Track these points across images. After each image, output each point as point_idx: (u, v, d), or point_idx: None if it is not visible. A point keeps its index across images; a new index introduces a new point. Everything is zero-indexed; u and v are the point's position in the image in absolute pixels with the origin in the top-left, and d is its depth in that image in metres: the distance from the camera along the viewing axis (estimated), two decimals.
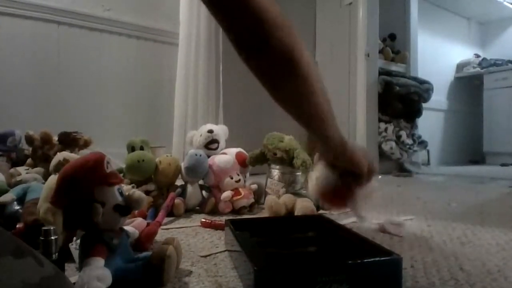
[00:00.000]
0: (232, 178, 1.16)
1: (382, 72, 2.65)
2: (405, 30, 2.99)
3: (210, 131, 1.30)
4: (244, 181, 1.22)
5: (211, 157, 1.21)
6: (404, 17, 3.00)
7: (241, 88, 2.42)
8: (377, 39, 2.64)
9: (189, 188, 1.16)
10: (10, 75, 1.65)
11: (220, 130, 1.35)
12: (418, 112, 2.79)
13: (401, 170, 2.67)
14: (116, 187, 0.57)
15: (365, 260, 0.50)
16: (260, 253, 0.57)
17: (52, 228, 0.50)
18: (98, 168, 0.55)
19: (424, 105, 2.82)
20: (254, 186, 1.23)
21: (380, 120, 2.63)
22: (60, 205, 0.54)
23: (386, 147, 2.57)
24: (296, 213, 1.03)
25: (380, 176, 2.38)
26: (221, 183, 1.17)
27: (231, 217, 1.06)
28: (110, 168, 0.57)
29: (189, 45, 2.00)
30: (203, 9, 2.01)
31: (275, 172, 1.21)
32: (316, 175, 0.83)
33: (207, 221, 0.95)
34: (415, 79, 2.79)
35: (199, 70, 2.02)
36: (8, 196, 0.83)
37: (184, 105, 2.00)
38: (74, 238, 0.62)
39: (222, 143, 1.33)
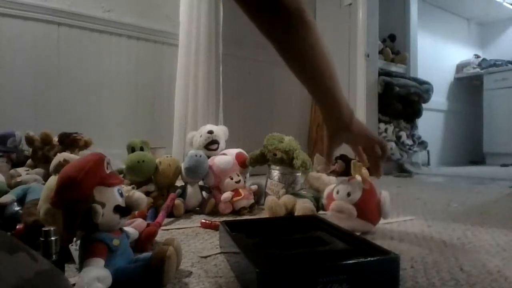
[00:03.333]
0: (232, 179, 1.16)
1: (382, 73, 2.65)
2: (405, 30, 3.00)
3: (210, 132, 1.30)
4: (244, 181, 1.22)
5: (211, 158, 1.21)
6: (404, 17, 3.00)
7: (241, 89, 2.43)
8: (377, 39, 2.65)
9: (189, 189, 1.16)
10: (10, 76, 1.65)
11: (220, 131, 1.35)
12: (418, 113, 2.79)
13: (401, 170, 2.68)
14: (116, 188, 0.57)
15: (365, 260, 0.50)
16: (260, 255, 0.57)
17: (52, 229, 0.50)
18: (98, 169, 0.55)
19: (424, 105, 2.82)
20: (254, 187, 1.24)
21: (380, 121, 2.64)
22: (60, 206, 0.54)
23: None
24: (296, 214, 1.03)
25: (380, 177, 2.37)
26: (221, 184, 1.17)
27: (231, 218, 1.06)
28: (110, 169, 0.57)
29: (189, 46, 2.01)
30: (203, 10, 2.02)
31: (275, 172, 1.21)
32: (348, 191, 0.84)
33: (207, 222, 0.95)
34: (415, 79, 2.79)
35: (199, 71, 2.02)
36: (8, 197, 0.84)
37: (184, 106, 2.01)
38: (74, 239, 0.62)
39: (222, 144, 1.33)
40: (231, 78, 2.28)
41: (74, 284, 0.54)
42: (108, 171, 0.56)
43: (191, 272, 0.62)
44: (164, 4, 2.09)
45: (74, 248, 0.62)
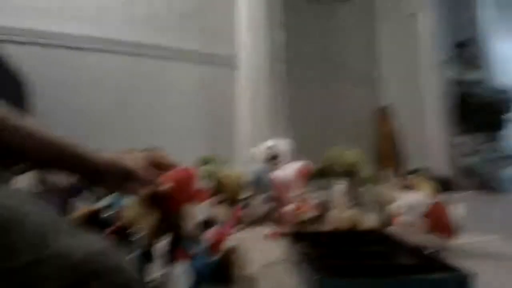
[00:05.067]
0: (294, 192, 1.18)
1: (455, 82, 2.46)
2: (480, 33, 2.75)
3: (272, 147, 1.35)
4: (307, 195, 1.23)
5: (273, 171, 1.25)
6: (477, 20, 2.77)
7: (305, 103, 2.46)
8: (447, 47, 2.48)
9: (254, 201, 1.21)
10: (93, 103, 1.87)
11: (283, 146, 1.39)
12: (500, 123, 2.51)
13: (484, 187, 2.41)
14: (202, 203, 0.63)
15: (430, 276, 0.48)
16: (322, 264, 0.58)
17: (140, 228, 0.57)
18: (190, 184, 0.61)
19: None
20: (318, 200, 1.24)
21: (456, 134, 2.43)
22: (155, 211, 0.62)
23: (465, 162, 2.35)
24: (361, 228, 1.01)
25: (459, 193, 2.18)
26: (284, 196, 1.19)
27: (296, 230, 1.08)
28: (199, 185, 0.64)
29: (251, 63, 2.10)
30: (263, 32, 2.11)
31: (339, 186, 1.20)
32: (413, 204, 0.82)
33: (271, 232, 0.98)
34: (494, 87, 2.53)
35: (261, 89, 2.09)
36: (104, 202, 0.97)
37: (249, 122, 2.09)
38: (161, 240, 0.71)
39: (284, 158, 1.37)
40: (294, 93, 2.33)
41: (156, 280, 0.62)
42: (197, 187, 0.63)
43: (256, 277, 0.65)
44: (225, 29, 2.23)
45: (161, 247, 0.70)
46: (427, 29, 2.40)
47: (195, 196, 0.61)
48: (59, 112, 1.80)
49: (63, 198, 1.04)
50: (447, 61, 2.46)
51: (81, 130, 1.79)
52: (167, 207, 0.58)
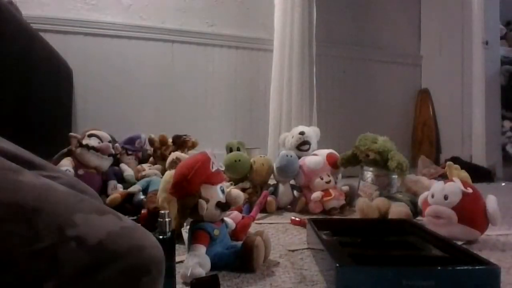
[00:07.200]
0: (322, 179, 1.17)
1: (506, 61, 2.26)
2: None
3: (302, 133, 1.34)
4: (335, 182, 1.22)
5: (301, 158, 1.24)
6: None
7: (335, 88, 2.40)
8: (498, 23, 2.27)
9: (281, 187, 1.22)
10: (137, 89, 1.99)
11: (312, 132, 1.38)
12: None
13: None
14: (219, 185, 0.66)
15: (457, 268, 0.46)
16: (344, 253, 0.58)
17: (166, 212, 0.60)
18: (205, 168, 0.63)
19: None
20: (345, 188, 1.22)
21: (504, 118, 2.26)
22: (176, 196, 0.65)
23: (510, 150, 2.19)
24: (390, 218, 0.99)
25: (503, 183, 2.04)
26: (311, 183, 1.19)
27: (321, 218, 1.08)
28: (214, 167, 0.66)
29: (283, 50, 2.08)
30: (297, 14, 2.06)
31: (368, 174, 1.18)
32: (444, 193, 0.78)
33: (297, 219, 0.99)
34: None
35: (293, 74, 2.07)
36: (136, 187, 1.04)
37: (279, 108, 2.09)
38: (185, 224, 0.74)
39: (313, 145, 1.36)
40: (325, 78, 2.28)
41: (182, 261, 0.65)
42: (213, 170, 0.65)
43: (279, 263, 0.67)
44: (260, 14, 2.22)
45: (185, 231, 0.74)
46: (475, 7, 2.20)
47: (211, 178, 0.63)
48: (99, 97, 1.91)
49: (101, 181, 1.11)
50: (498, 38, 2.26)
51: (121, 113, 1.91)
52: (186, 191, 0.61)
